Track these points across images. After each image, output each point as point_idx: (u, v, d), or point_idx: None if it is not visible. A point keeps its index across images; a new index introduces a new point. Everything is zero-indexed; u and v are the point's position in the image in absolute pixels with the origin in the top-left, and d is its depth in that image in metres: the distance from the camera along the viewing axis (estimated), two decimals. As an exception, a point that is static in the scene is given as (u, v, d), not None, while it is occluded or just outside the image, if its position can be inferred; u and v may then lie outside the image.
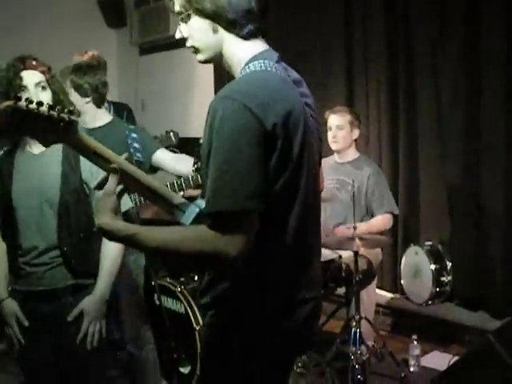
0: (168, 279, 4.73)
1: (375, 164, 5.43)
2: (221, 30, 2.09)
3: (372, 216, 5.09)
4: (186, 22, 2.17)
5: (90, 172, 3.10)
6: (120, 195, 2.04)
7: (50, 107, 1.91)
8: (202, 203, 1.98)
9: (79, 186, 3.11)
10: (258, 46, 2.10)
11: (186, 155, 4.15)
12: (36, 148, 3.15)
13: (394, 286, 6.05)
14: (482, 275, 5.41)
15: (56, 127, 1.93)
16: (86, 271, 3.17)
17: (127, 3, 8.25)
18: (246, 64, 2.06)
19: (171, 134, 4.01)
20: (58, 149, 3.07)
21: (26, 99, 1.89)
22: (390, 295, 6.05)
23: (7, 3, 7.05)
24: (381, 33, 5.98)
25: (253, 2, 2.04)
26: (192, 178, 3.69)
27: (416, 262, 5.57)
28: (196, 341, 4.28)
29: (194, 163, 3.58)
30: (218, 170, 1.86)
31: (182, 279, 4.75)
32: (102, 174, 2.96)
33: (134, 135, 4.02)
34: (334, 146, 5.24)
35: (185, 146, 4.40)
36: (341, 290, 4.89)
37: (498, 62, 5.12)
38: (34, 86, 3.02)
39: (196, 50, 2.22)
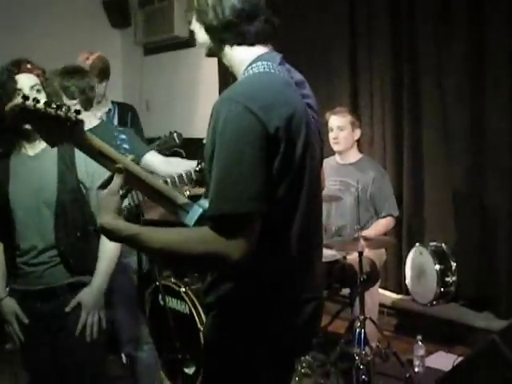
0: (172, 279, 4.74)
1: (379, 165, 5.44)
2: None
3: (377, 217, 5.10)
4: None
5: (86, 172, 3.14)
6: (124, 196, 2.04)
7: (58, 107, 1.91)
8: (205, 203, 1.98)
9: (76, 185, 3.15)
10: (261, 48, 2.10)
11: (179, 158, 4.14)
12: (31, 150, 3.19)
13: (399, 286, 6.04)
14: (487, 275, 5.40)
15: (63, 127, 1.93)
16: (85, 269, 3.21)
17: (132, 3, 8.26)
18: (249, 65, 2.06)
19: (175, 134, 4.00)
20: (53, 150, 3.11)
21: (34, 99, 1.89)
22: (394, 296, 6.04)
23: (10, 3, 7.05)
24: (385, 32, 5.97)
25: (259, 12, 2.04)
26: (186, 174, 3.68)
27: (421, 263, 5.56)
28: (200, 341, 4.28)
29: (198, 164, 3.57)
30: (221, 173, 1.86)
31: (187, 279, 4.75)
32: (98, 173, 3.00)
33: (123, 136, 4.02)
34: (335, 147, 5.24)
35: (189, 146, 4.39)
36: (345, 291, 4.90)
37: (503, 61, 5.11)
38: (29, 89, 3.03)
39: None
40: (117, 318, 4.14)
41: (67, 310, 3.15)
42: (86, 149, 2.03)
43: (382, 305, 5.48)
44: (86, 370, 3.21)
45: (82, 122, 1.97)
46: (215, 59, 5.08)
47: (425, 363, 4.66)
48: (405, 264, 5.76)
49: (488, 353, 3.68)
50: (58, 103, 1.92)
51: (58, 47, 6.74)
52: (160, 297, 4.60)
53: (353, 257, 4.70)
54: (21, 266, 3.18)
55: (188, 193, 4.02)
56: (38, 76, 3.10)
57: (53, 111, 1.90)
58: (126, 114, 5.27)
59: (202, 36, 2.16)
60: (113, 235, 1.96)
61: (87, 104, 3.97)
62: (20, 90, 2.99)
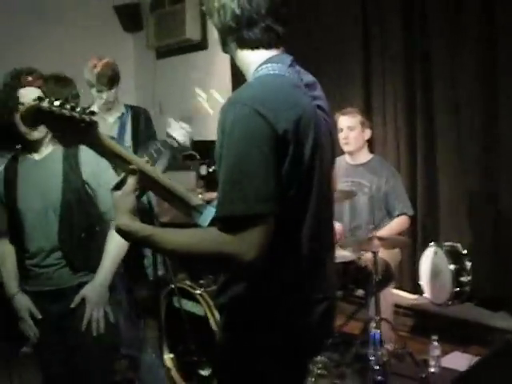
0: (187, 282, 4.74)
1: (390, 165, 5.43)
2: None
3: (390, 217, 5.09)
4: None
5: (92, 173, 3.19)
6: (139, 196, 2.05)
7: (72, 108, 1.92)
8: None
9: (80, 187, 3.19)
10: (270, 51, 2.11)
11: None
12: (37, 154, 3.24)
13: (414, 286, 6.03)
14: (502, 275, 5.38)
15: (77, 128, 1.94)
16: (91, 269, 3.25)
17: (143, 7, 8.28)
18: (258, 67, 2.07)
19: (186, 139, 4.02)
20: (58, 153, 3.17)
21: (49, 100, 1.90)
22: (409, 296, 6.03)
23: (23, 9, 7.08)
24: (398, 33, 5.97)
25: (259, 19, 2.04)
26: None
27: (435, 263, 5.54)
28: (216, 343, 4.29)
29: (209, 165, 3.59)
30: (228, 174, 1.87)
31: (202, 282, 4.75)
32: (104, 173, 3.01)
33: None
34: (346, 148, 5.23)
35: (202, 148, 4.41)
36: (360, 292, 4.89)
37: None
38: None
39: None
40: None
41: (72, 305, 3.19)
42: (101, 150, 2.05)
43: (397, 305, 5.47)
44: (94, 366, 3.23)
45: (96, 123, 1.98)
46: (227, 61, 5.05)
47: (440, 363, 4.64)
48: (419, 264, 5.75)
49: (504, 353, 3.69)
50: (73, 104, 1.93)
51: (70, 52, 6.76)
52: (175, 299, 4.61)
53: (367, 257, 4.69)
54: (31, 268, 3.25)
55: (201, 196, 4.03)
56: (39, 87, 3.13)
57: (67, 112, 1.91)
58: (139, 118, 5.28)
59: (216, 34, 2.18)
60: (129, 236, 1.98)
61: None
62: (23, 104, 3.04)
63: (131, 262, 5.92)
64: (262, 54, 2.09)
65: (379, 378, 4.24)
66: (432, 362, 4.61)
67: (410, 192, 5.55)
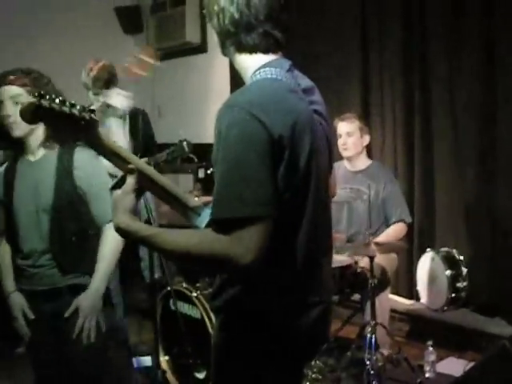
0: (184, 284, 4.75)
1: (389, 171, 5.44)
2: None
3: (387, 224, 5.10)
4: None
5: (86, 177, 3.17)
6: (138, 196, 2.07)
7: (72, 105, 1.93)
8: None
9: (72, 190, 3.16)
10: (268, 55, 2.11)
11: None
12: (33, 156, 3.24)
13: (410, 291, 6.04)
14: (498, 281, 5.39)
15: (77, 126, 1.95)
16: (81, 272, 3.23)
17: (144, 10, 8.30)
18: (256, 71, 2.08)
19: (184, 143, 4.01)
20: (53, 155, 3.16)
21: (49, 97, 1.91)
22: (405, 301, 6.03)
23: (23, 10, 7.09)
24: (396, 39, 5.99)
25: (257, 25, 2.06)
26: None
27: (432, 268, 5.55)
28: (211, 346, 4.29)
29: (206, 168, 3.61)
30: (225, 177, 1.88)
31: (198, 285, 4.76)
32: (97, 179, 3.02)
33: None
34: (344, 153, 5.24)
35: (201, 151, 4.42)
36: (356, 296, 4.90)
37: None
38: (9, 100, 3.10)
39: None
40: None
41: (66, 315, 3.17)
42: (100, 148, 2.05)
43: (393, 310, 5.48)
44: (84, 371, 3.22)
45: (95, 121, 1.99)
46: (227, 65, 5.06)
47: (436, 369, 4.66)
48: (416, 269, 5.76)
49: (499, 358, 3.68)
50: (73, 102, 1.94)
51: (70, 53, 6.76)
52: (171, 302, 4.62)
53: (364, 262, 4.70)
54: (25, 267, 3.26)
55: (197, 199, 4.04)
56: (23, 85, 3.12)
57: (67, 110, 1.92)
58: (137, 119, 5.29)
59: (216, 37, 2.19)
60: (128, 235, 1.99)
61: None
62: (2, 101, 3.11)
63: (127, 265, 5.96)
64: (259, 59, 2.10)
65: (374, 382, 4.25)
66: (427, 368, 4.62)
67: (407, 197, 5.55)
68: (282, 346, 2.09)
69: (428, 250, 5.63)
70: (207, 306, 4.43)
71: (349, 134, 5.19)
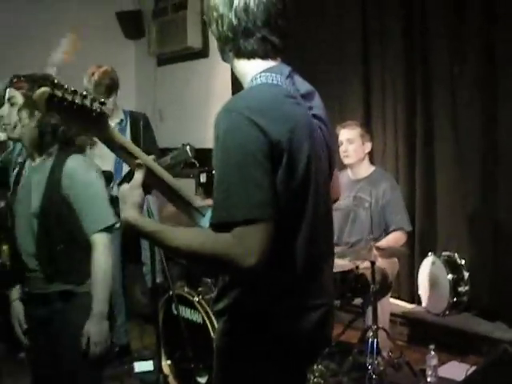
0: (186, 289, 4.75)
1: (391, 177, 5.41)
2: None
3: (387, 232, 5.09)
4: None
5: (72, 187, 3.11)
6: (146, 192, 2.09)
7: (84, 97, 1.95)
8: None
9: (59, 199, 3.11)
10: (267, 61, 2.13)
11: None
12: (34, 160, 3.24)
13: (412, 296, 6.04)
14: (500, 285, 5.39)
15: (88, 117, 1.98)
16: (67, 281, 3.16)
17: (145, 14, 8.31)
18: (256, 76, 2.09)
19: (187, 147, 4.01)
20: (49, 162, 3.15)
21: (62, 86, 1.92)
22: (407, 305, 6.03)
23: (23, 15, 7.11)
24: (398, 44, 5.99)
25: (255, 30, 2.07)
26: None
27: (433, 273, 5.56)
28: (213, 350, 4.29)
29: (208, 173, 3.61)
30: (222, 182, 1.90)
31: (200, 289, 4.76)
32: (85, 189, 3.06)
33: None
34: (345, 161, 5.22)
35: (202, 156, 4.42)
36: (358, 301, 4.90)
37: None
38: (7, 102, 3.17)
39: None
40: None
41: (83, 348, 3.08)
42: (109, 141, 2.08)
43: (394, 314, 5.48)
44: (80, 376, 3.19)
45: (106, 114, 2.02)
46: (228, 70, 5.08)
47: (437, 373, 4.65)
48: (417, 274, 5.77)
49: (500, 362, 3.69)
50: (85, 93, 1.96)
51: (72, 58, 6.77)
52: (173, 306, 4.62)
53: (365, 267, 4.70)
54: (23, 270, 3.25)
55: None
56: (19, 89, 3.15)
57: (79, 100, 1.94)
58: (138, 123, 5.29)
59: (216, 43, 2.21)
60: (134, 230, 2.00)
61: None
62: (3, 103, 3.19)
63: (129, 270, 5.97)
64: (258, 64, 2.11)
65: (376, 386, 4.26)
66: (429, 372, 4.62)
67: (408, 201, 5.56)
68: (284, 348, 2.10)
69: (430, 254, 5.64)
70: (209, 310, 4.43)
71: (350, 141, 5.18)
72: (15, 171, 3.38)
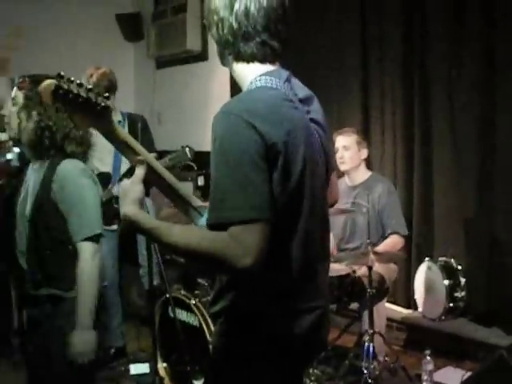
0: (182, 292, 4.75)
1: (388, 181, 5.41)
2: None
3: (384, 237, 5.10)
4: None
5: (60, 191, 3.07)
6: (147, 188, 2.11)
7: (89, 90, 1.97)
8: None
9: (50, 204, 3.08)
10: (266, 65, 2.14)
11: None
12: (34, 163, 3.25)
13: (408, 301, 6.05)
14: (496, 291, 5.39)
15: (93, 110, 2.00)
16: (62, 286, 3.11)
17: (145, 17, 8.31)
18: (254, 79, 2.10)
19: (187, 149, 4.01)
20: (45, 165, 3.15)
21: (68, 79, 1.94)
22: (403, 310, 6.04)
23: (24, 16, 7.11)
24: (397, 50, 6.00)
25: (255, 34, 2.09)
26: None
27: (430, 278, 5.57)
28: (210, 353, 4.29)
29: (206, 176, 3.62)
30: (219, 183, 1.91)
31: (197, 292, 4.76)
32: (71, 194, 3.00)
33: None
34: (341, 167, 5.23)
35: (201, 159, 4.43)
36: (354, 305, 4.90)
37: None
38: (10, 101, 3.22)
39: None
40: None
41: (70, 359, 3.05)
42: (112, 136, 2.10)
43: (390, 319, 5.48)
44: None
45: (110, 108, 2.04)
46: (227, 73, 5.09)
47: (433, 378, 4.65)
48: (414, 279, 5.77)
49: (496, 368, 3.69)
50: (90, 87, 1.98)
51: (70, 60, 6.76)
52: (170, 309, 4.62)
53: (363, 271, 4.71)
54: (22, 269, 3.24)
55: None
56: (21, 89, 3.18)
57: (84, 93, 1.96)
58: (136, 125, 5.30)
59: (215, 46, 2.23)
60: (134, 225, 2.02)
61: None
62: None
63: (126, 272, 5.97)
64: (256, 68, 2.13)
65: (372, 391, 4.26)
66: (425, 377, 4.62)
67: (406, 205, 5.57)
68: (279, 350, 2.10)
69: (426, 259, 5.65)
70: (205, 313, 4.44)
71: (345, 147, 5.18)
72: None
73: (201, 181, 6.20)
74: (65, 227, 3.09)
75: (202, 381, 4.43)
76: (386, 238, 5.08)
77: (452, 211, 5.73)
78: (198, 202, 2.23)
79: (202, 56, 7.70)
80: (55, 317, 3.12)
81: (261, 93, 2.05)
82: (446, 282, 5.38)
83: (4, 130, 3.30)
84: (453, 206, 5.71)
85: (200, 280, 4.92)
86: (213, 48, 2.26)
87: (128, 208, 2.03)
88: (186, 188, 3.40)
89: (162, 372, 4.77)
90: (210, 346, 4.32)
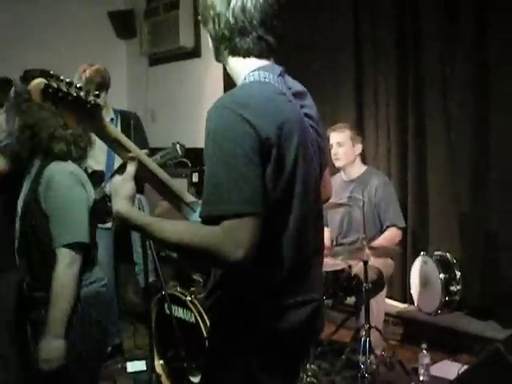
0: (178, 289, 4.75)
1: (383, 174, 5.45)
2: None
3: (381, 230, 5.11)
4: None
5: (45, 193, 3.00)
6: (139, 185, 2.12)
7: (79, 88, 1.98)
8: None
9: (36, 207, 3.02)
10: (260, 60, 2.16)
11: None
12: (30, 165, 3.21)
13: (404, 295, 6.06)
14: (492, 284, 5.41)
15: (83, 108, 2.01)
16: (49, 289, 3.02)
17: (137, 14, 8.29)
18: (248, 74, 2.12)
19: (177, 146, 4.00)
20: (37, 165, 3.12)
21: (58, 78, 1.95)
22: (399, 305, 6.04)
23: (17, 14, 7.10)
24: (390, 47, 6.00)
25: (252, 29, 2.10)
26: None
27: (425, 272, 5.57)
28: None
29: (200, 172, 3.62)
30: (211, 177, 1.92)
31: (193, 289, 4.76)
32: (54, 198, 2.94)
33: None
34: (336, 164, 5.25)
35: (194, 156, 4.42)
36: (350, 300, 4.91)
37: (508, 78, 5.14)
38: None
39: None
40: None
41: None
42: (103, 134, 2.11)
43: (387, 314, 5.48)
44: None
45: (100, 106, 2.05)
46: (220, 69, 5.04)
47: (430, 372, 4.66)
48: (409, 273, 5.78)
49: (492, 361, 3.69)
50: (80, 85, 1.99)
51: (63, 57, 6.75)
52: (166, 306, 4.62)
53: (359, 266, 4.71)
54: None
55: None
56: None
57: (74, 92, 1.97)
58: (129, 122, 5.29)
59: (210, 42, 2.24)
60: (126, 222, 2.03)
61: None
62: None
63: (122, 269, 5.96)
64: (252, 63, 2.14)
65: (369, 385, 4.27)
66: (421, 371, 4.63)
67: (401, 202, 5.56)
68: (274, 344, 2.11)
69: (422, 253, 5.65)
70: (202, 310, 4.44)
71: (339, 144, 5.20)
72: None
73: (195, 177, 6.20)
74: (45, 230, 3.01)
75: (198, 377, 4.43)
76: (384, 231, 5.09)
77: (446, 206, 5.73)
78: (190, 197, 2.24)
79: (195, 53, 7.69)
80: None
81: (254, 87, 2.06)
82: (442, 275, 5.39)
83: None
84: (447, 201, 5.72)
85: (195, 277, 4.92)
86: (206, 45, 2.26)
87: (120, 205, 2.04)
88: (180, 184, 3.41)
89: (158, 369, 4.77)
90: (207, 343, 4.33)
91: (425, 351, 4.61)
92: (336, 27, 6.43)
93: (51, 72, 1.95)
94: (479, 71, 5.36)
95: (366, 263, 4.50)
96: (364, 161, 5.54)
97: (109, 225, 4.85)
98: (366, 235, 4.64)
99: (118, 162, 5.02)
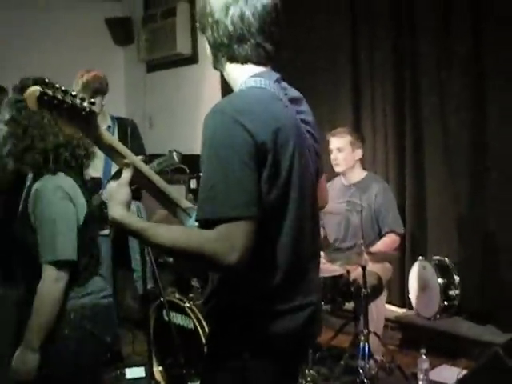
0: (177, 295, 4.75)
1: (383, 181, 5.45)
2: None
3: (380, 235, 5.11)
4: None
5: (32, 205, 2.96)
6: (135, 191, 2.13)
7: (74, 96, 1.98)
8: None
9: (27, 219, 2.98)
10: (258, 67, 2.17)
11: None
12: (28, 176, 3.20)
13: (402, 300, 6.05)
14: (491, 289, 5.40)
15: (78, 116, 2.01)
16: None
17: (135, 21, 8.31)
18: (246, 80, 2.13)
19: (174, 153, 4.00)
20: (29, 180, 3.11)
21: (53, 85, 1.95)
22: (398, 310, 6.04)
23: (14, 19, 7.11)
24: (388, 50, 6.01)
25: (250, 37, 2.11)
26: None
27: (424, 277, 5.56)
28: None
29: (198, 179, 3.61)
30: (207, 180, 1.93)
31: (191, 295, 4.76)
32: (41, 213, 2.89)
33: None
34: (336, 169, 5.24)
35: (192, 162, 4.42)
36: (349, 305, 4.90)
37: (505, 81, 5.14)
38: None
39: None
40: None
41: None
42: (98, 141, 2.11)
43: (385, 319, 5.48)
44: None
45: (95, 113, 2.05)
46: (218, 76, 5.06)
47: (429, 377, 4.65)
48: (408, 278, 5.77)
49: (492, 365, 3.69)
50: (75, 93, 1.99)
51: (61, 64, 6.74)
52: (164, 312, 4.61)
53: (357, 272, 4.70)
54: None
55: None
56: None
57: (69, 99, 1.98)
58: (126, 129, 5.29)
59: (207, 49, 2.24)
60: (122, 227, 2.03)
61: None
62: None
63: (120, 276, 5.95)
64: (250, 69, 2.16)
65: (368, 391, 4.26)
66: (420, 376, 4.62)
67: (399, 206, 5.55)
68: (272, 349, 2.11)
69: (420, 258, 5.65)
70: (200, 316, 4.44)
71: (339, 149, 5.19)
72: None
73: (193, 184, 6.19)
74: (33, 241, 2.95)
75: (197, 384, 4.43)
76: (383, 236, 5.09)
77: (445, 210, 5.73)
78: (187, 203, 2.26)
79: (192, 59, 7.70)
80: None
81: (250, 92, 2.08)
82: (440, 280, 5.38)
83: None
84: (445, 205, 5.72)
85: (194, 283, 4.92)
86: (203, 51, 2.27)
87: (115, 211, 2.04)
88: (178, 191, 3.40)
89: (157, 376, 4.77)
90: (206, 349, 4.32)
91: (424, 356, 4.60)
92: (333, 30, 6.42)
93: (46, 80, 1.95)
94: (475, 76, 5.36)
95: (364, 268, 4.50)
96: (362, 165, 5.54)
97: (106, 231, 4.85)
98: (364, 240, 4.63)
99: (115, 169, 5.02)
